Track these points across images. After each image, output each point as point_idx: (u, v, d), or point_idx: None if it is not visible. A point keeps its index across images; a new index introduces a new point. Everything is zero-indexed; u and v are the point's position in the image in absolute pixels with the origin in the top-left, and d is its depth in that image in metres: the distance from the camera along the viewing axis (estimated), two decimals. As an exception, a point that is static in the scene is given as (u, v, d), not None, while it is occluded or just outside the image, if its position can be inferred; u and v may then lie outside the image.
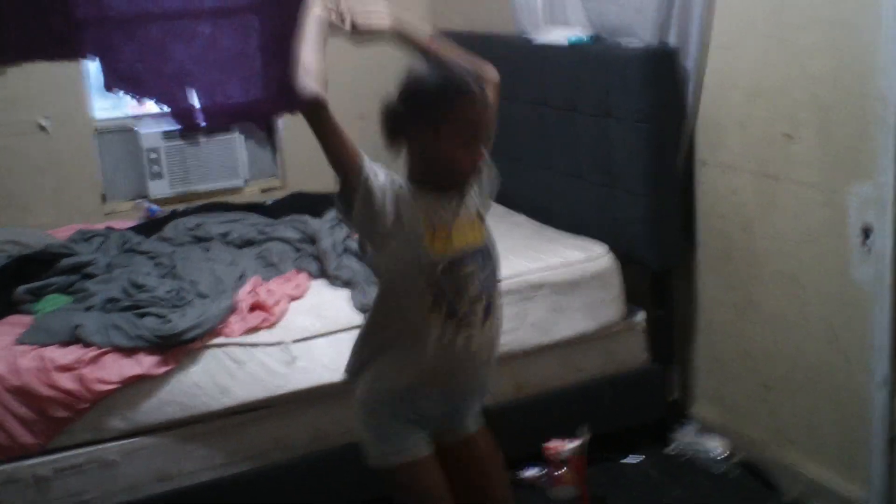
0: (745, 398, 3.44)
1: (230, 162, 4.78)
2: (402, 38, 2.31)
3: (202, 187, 4.72)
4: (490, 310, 2.21)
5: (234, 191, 4.82)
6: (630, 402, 3.53)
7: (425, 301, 2.11)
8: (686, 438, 3.58)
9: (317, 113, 2.03)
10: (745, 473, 3.38)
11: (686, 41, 3.33)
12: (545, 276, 3.33)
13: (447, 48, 2.30)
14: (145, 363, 2.78)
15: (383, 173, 2.10)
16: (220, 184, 4.78)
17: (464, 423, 2.33)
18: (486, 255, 2.21)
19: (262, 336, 2.95)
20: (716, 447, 3.50)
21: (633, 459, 3.52)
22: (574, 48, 3.60)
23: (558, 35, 3.77)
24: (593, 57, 3.50)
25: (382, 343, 2.21)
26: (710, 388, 3.62)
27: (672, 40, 3.36)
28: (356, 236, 2.84)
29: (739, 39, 3.17)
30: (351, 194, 2.07)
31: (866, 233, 2.80)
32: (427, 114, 2.08)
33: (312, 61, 2.09)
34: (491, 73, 2.30)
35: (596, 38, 3.63)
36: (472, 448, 2.35)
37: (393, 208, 2.08)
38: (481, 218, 2.24)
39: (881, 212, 2.72)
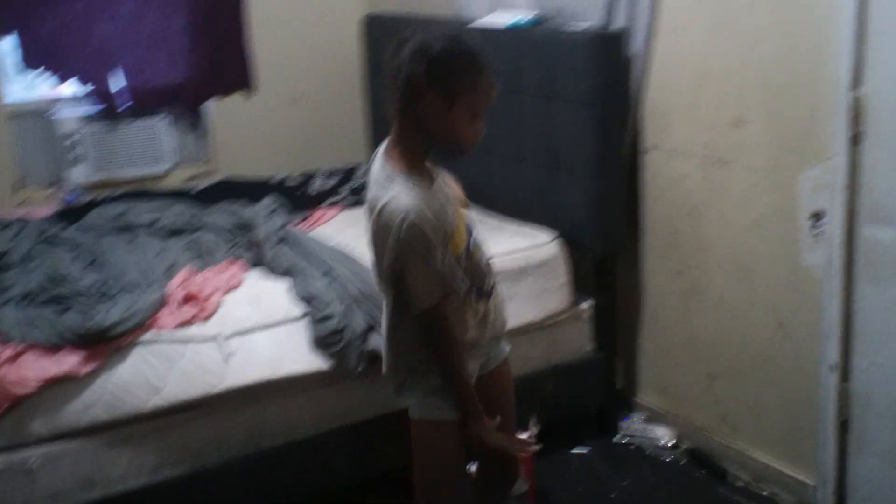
0: (690, 386, 3.39)
1: (155, 147, 4.55)
2: None
3: (125, 173, 4.48)
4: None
5: (160, 177, 4.60)
6: (575, 391, 3.45)
7: (457, 299, 2.24)
8: (632, 427, 3.54)
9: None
10: (692, 461, 3.35)
11: (633, 24, 3.25)
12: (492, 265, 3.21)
13: None
14: (68, 362, 2.57)
15: (433, 236, 2.15)
16: (145, 170, 4.55)
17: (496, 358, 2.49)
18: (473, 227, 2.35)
19: (195, 330, 2.78)
20: (662, 435, 3.46)
21: (579, 450, 3.45)
22: (514, 31, 3.50)
23: (500, 18, 3.66)
24: (537, 40, 3.40)
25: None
26: (655, 376, 3.57)
27: (619, 23, 3.27)
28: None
29: (687, 22, 3.10)
30: None
31: (817, 217, 2.76)
32: (451, 81, 2.07)
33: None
34: None
35: (541, 20, 3.53)
36: (502, 373, 2.53)
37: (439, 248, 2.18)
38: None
39: (832, 196, 2.68)
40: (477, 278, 2.29)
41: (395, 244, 2.10)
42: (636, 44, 3.26)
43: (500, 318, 2.44)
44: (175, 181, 4.59)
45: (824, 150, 2.69)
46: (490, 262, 2.39)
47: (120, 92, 4.38)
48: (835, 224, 2.69)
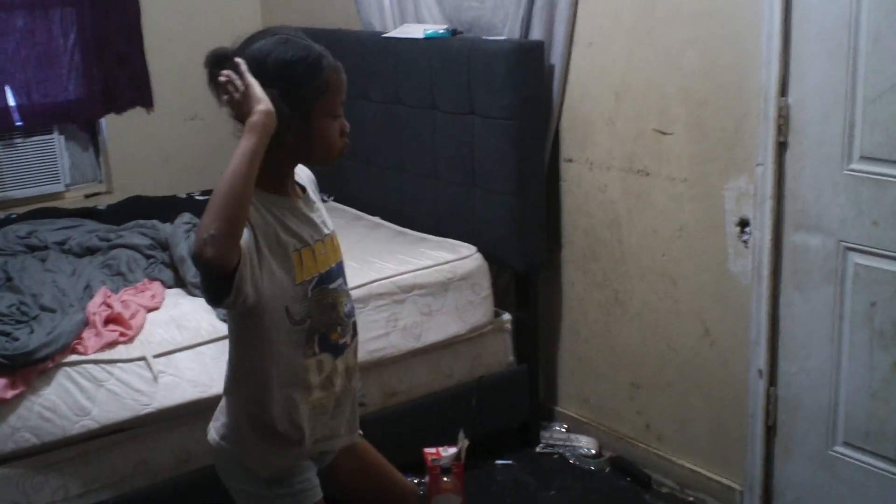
0: (612, 396, 3.43)
1: (49, 166, 4.39)
2: None
3: (19, 193, 4.31)
4: (355, 327, 2.06)
5: (55, 196, 4.43)
6: (499, 404, 3.44)
7: (283, 323, 1.88)
8: (554, 437, 3.55)
9: (215, 276, 1.67)
10: (616, 469, 3.38)
11: (551, 37, 3.28)
12: (415, 278, 3.19)
13: None
14: (-9, 386, 2.44)
15: (252, 244, 1.76)
16: (39, 189, 4.38)
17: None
18: (341, 269, 2.03)
19: (120, 352, 2.67)
20: (585, 444, 3.48)
21: (503, 462, 3.44)
22: (431, 42, 3.49)
23: (413, 29, 3.65)
24: (454, 52, 3.39)
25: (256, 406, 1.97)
26: (575, 387, 3.59)
27: (536, 35, 3.30)
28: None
29: (606, 35, 3.14)
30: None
31: (743, 225, 2.83)
32: (296, 92, 1.81)
33: (234, 202, 1.64)
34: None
35: (453, 33, 3.53)
36: (361, 453, 2.20)
37: (261, 275, 1.79)
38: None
39: (758, 204, 2.75)
40: (322, 322, 1.94)
41: None
42: (554, 55, 3.29)
43: (349, 399, 2.08)
44: (71, 201, 4.43)
45: (749, 160, 2.76)
46: (352, 321, 2.04)
47: (10, 110, 4.20)
48: (762, 231, 2.76)
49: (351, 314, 2.03)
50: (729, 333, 2.95)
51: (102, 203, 4.27)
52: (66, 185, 4.48)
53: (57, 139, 4.40)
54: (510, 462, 3.45)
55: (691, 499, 3.16)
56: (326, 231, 1.99)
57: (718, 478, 3.08)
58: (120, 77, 4.48)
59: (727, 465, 3.06)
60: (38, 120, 4.31)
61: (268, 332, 1.87)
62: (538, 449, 3.53)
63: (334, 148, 1.91)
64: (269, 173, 1.82)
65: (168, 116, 4.64)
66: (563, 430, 3.59)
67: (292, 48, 1.85)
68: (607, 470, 3.38)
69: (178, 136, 4.66)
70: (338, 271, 2.00)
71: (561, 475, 3.37)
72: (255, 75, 1.77)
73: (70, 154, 4.50)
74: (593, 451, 3.47)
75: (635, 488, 3.27)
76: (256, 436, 1.97)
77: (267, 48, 1.84)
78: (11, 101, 4.20)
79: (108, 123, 4.53)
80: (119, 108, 4.53)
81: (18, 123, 4.25)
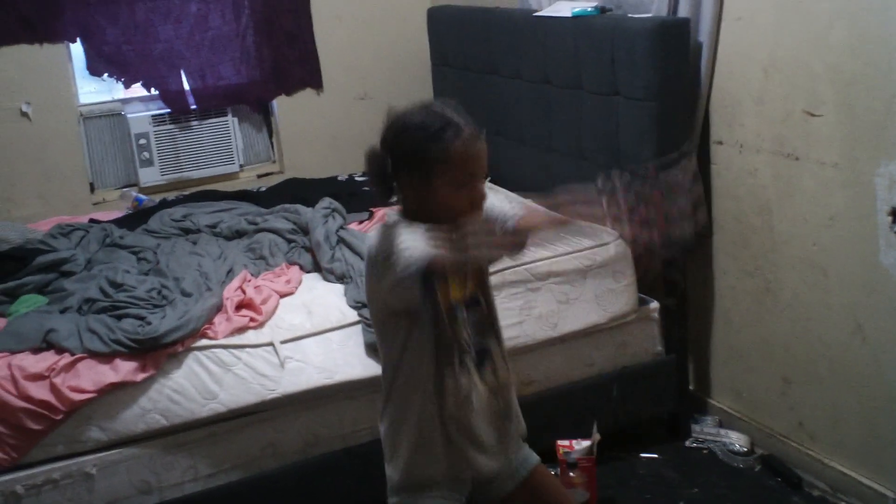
0: (764, 390, 3.25)
1: (224, 147, 4.59)
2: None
3: (195, 174, 4.53)
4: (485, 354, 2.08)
5: (230, 176, 4.64)
6: (645, 395, 3.33)
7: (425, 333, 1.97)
8: (705, 431, 3.41)
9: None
10: (766, 468, 3.21)
11: (698, 12, 3.11)
12: (551, 265, 3.13)
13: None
14: (123, 369, 2.58)
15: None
16: (215, 170, 4.59)
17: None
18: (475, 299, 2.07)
19: (249, 337, 2.77)
20: (736, 440, 3.33)
21: (648, 455, 3.34)
22: (578, 21, 3.39)
23: (563, 7, 3.56)
24: (598, 30, 3.28)
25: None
26: (727, 379, 3.43)
27: (684, 12, 3.14)
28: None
29: (754, 9, 2.96)
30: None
31: (895, 215, 2.60)
32: (417, 158, 1.90)
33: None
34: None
35: (602, 10, 3.41)
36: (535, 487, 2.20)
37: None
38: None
39: (911, 193, 2.52)
40: (461, 343, 2.00)
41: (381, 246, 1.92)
42: (702, 33, 3.12)
43: (501, 412, 2.12)
44: (244, 181, 4.61)
45: (902, 144, 2.53)
46: (486, 350, 2.07)
47: (185, 94, 4.41)
48: (914, 222, 2.54)
49: (472, 343, 2.03)
50: (881, 330, 2.73)
51: (274, 182, 4.43)
52: (241, 166, 4.67)
53: (231, 121, 4.58)
54: (654, 455, 3.34)
55: (842, 503, 2.96)
56: None
57: (871, 483, 2.87)
58: (290, 58, 4.62)
59: (881, 470, 2.84)
60: (212, 102, 4.51)
61: (411, 346, 1.97)
62: (687, 443, 3.40)
63: (455, 214, 1.92)
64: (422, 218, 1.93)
65: (337, 96, 4.75)
66: (714, 424, 3.43)
67: (422, 115, 1.93)
68: (757, 468, 3.22)
69: (346, 116, 4.75)
70: (471, 303, 2.04)
71: (707, 471, 3.23)
72: (394, 137, 1.92)
73: (244, 135, 4.68)
74: (745, 448, 3.30)
75: (784, 489, 3.10)
76: (398, 440, 2.05)
77: (405, 113, 1.94)
78: (186, 86, 4.41)
79: (279, 104, 4.68)
80: (289, 90, 4.67)
81: (193, 107, 4.45)
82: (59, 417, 2.53)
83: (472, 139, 1.92)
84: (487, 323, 2.09)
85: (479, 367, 2.05)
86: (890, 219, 2.62)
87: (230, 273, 3.06)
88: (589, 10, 3.41)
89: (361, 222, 3.56)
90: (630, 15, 3.31)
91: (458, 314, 2.00)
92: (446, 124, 1.90)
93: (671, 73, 3.06)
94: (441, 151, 1.88)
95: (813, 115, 2.79)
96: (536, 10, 3.79)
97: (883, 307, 2.71)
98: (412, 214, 1.95)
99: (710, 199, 3.28)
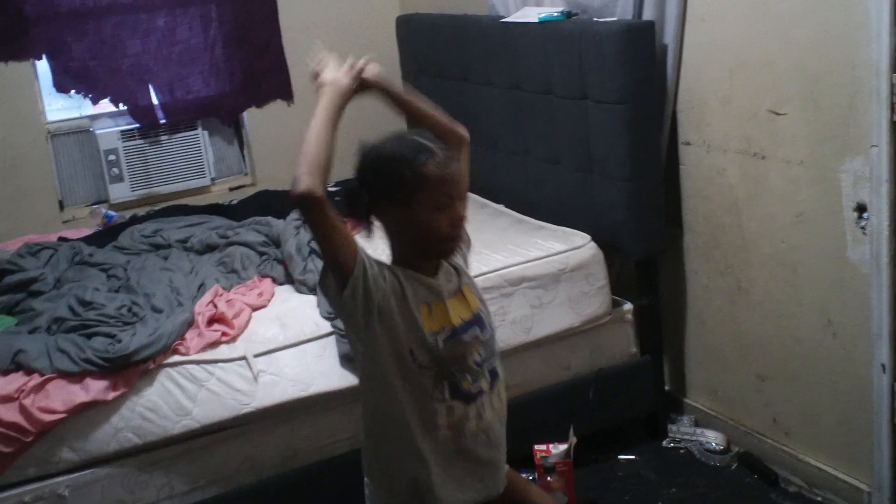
0: (739, 388, 3.27)
1: (195, 160, 4.56)
2: (383, 89, 2.08)
3: (166, 189, 4.50)
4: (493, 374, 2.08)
5: (201, 190, 4.61)
6: (621, 396, 3.34)
7: (426, 385, 1.97)
8: (681, 431, 3.43)
9: (309, 209, 1.82)
10: (743, 466, 3.22)
11: (663, 15, 3.13)
12: (524, 270, 3.13)
13: (420, 101, 2.11)
14: (94, 389, 2.56)
15: (377, 264, 1.92)
16: (186, 184, 4.56)
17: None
18: (480, 324, 2.07)
19: (221, 352, 2.75)
20: (713, 439, 3.34)
21: (626, 457, 3.35)
22: (546, 26, 3.40)
23: (530, 13, 3.56)
24: (566, 35, 3.29)
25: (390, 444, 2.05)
26: (702, 378, 3.45)
27: (648, 15, 3.15)
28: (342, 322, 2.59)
29: (719, 10, 2.97)
30: (342, 284, 1.87)
31: (861, 211, 2.62)
32: (394, 186, 1.92)
33: (313, 146, 1.87)
34: (462, 130, 2.11)
35: (569, 15, 3.42)
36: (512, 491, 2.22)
37: (386, 301, 1.91)
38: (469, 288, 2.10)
39: (875, 188, 2.54)
40: (450, 371, 1.98)
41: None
42: (668, 35, 3.14)
43: (486, 437, 2.08)
44: (217, 195, 4.59)
45: (865, 140, 2.54)
46: (489, 369, 2.06)
47: (154, 109, 4.38)
48: (880, 217, 2.55)
49: (482, 363, 2.03)
50: (851, 325, 2.75)
51: (247, 195, 4.40)
52: (212, 179, 4.65)
53: (201, 134, 4.56)
54: (633, 457, 3.35)
55: (819, 499, 2.98)
56: (459, 287, 2.06)
57: (846, 477, 2.89)
58: (260, 70, 4.59)
59: (855, 464, 2.86)
60: (182, 116, 4.47)
61: (391, 372, 1.95)
62: (665, 443, 3.41)
63: (439, 236, 1.96)
64: (401, 257, 2.00)
65: (308, 107, 4.67)
66: (691, 423, 3.45)
67: (395, 144, 1.96)
68: (734, 466, 3.23)
69: (318, 128, 4.72)
70: (472, 323, 2.03)
71: (685, 471, 3.24)
72: (369, 168, 1.96)
73: (215, 148, 4.66)
74: (721, 447, 3.32)
75: (761, 486, 3.11)
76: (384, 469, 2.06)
77: (378, 144, 1.98)
78: (155, 100, 4.39)
79: (250, 116, 4.66)
80: (260, 102, 4.65)
81: (163, 121, 4.43)
82: (29, 439, 2.50)
83: (448, 161, 1.94)
84: (493, 340, 2.10)
85: (492, 388, 2.06)
86: (856, 214, 2.64)
87: (202, 288, 3.05)
88: (555, 14, 3.41)
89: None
90: (595, 19, 3.32)
91: (463, 337, 2.00)
92: (420, 150, 1.93)
93: (640, 76, 3.07)
94: (418, 176, 1.91)
95: (778, 114, 2.81)
96: (504, 17, 3.79)
97: (852, 301, 2.73)
98: (399, 253, 2.00)
99: (680, 199, 3.30)
